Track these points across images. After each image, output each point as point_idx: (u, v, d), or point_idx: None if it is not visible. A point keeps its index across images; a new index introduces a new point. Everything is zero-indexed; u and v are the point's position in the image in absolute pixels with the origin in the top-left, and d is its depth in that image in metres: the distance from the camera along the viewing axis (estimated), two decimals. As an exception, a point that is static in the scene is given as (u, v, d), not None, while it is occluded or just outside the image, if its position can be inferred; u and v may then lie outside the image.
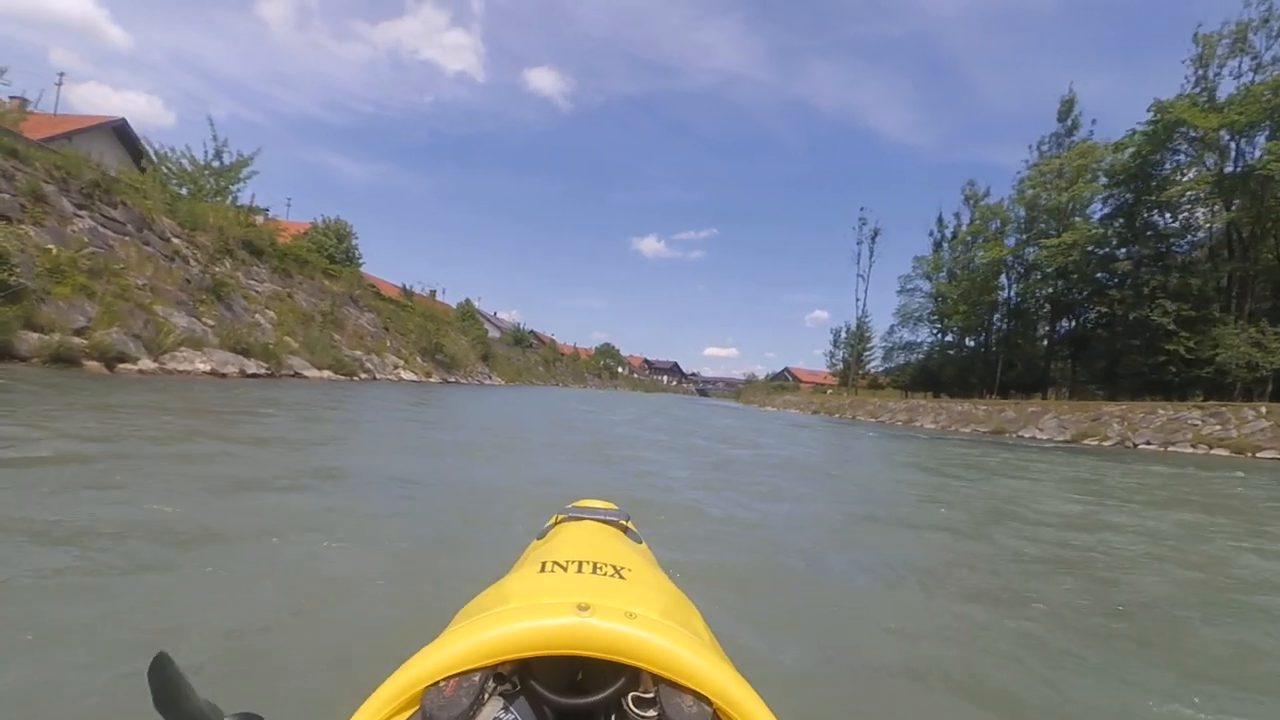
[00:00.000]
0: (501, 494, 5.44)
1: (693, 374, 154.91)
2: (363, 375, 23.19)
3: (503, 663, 0.66)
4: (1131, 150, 35.46)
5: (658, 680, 0.65)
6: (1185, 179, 33.12)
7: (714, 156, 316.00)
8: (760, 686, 0.68)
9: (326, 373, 20.35)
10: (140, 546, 2.91)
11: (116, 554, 2.78)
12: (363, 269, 39.95)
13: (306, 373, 19.08)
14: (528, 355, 70.32)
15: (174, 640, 2.02)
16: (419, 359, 31.14)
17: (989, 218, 46.47)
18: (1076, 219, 40.63)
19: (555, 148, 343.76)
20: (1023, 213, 44.64)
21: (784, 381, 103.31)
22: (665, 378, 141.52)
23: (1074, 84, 44.93)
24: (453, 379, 33.81)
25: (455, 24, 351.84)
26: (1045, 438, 29.47)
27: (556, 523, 1.33)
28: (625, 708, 0.65)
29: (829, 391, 66.32)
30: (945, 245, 56.84)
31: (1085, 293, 40.29)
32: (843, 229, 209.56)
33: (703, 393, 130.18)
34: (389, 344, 29.25)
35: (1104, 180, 38.43)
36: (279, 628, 2.28)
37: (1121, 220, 36.76)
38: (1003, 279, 47.04)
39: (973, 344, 52.16)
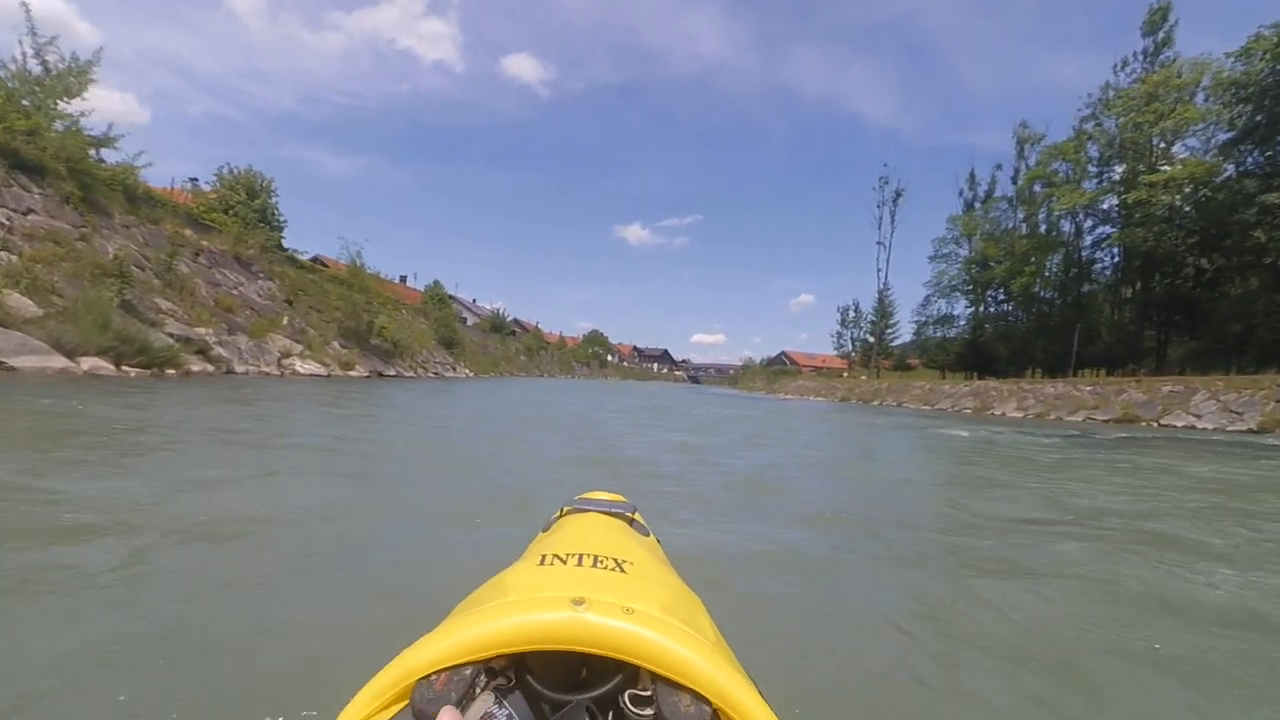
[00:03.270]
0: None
1: (683, 360, 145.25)
2: (198, 368, 13.32)
3: (497, 657, 0.62)
4: (1266, 55, 26.24)
5: (656, 678, 0.60)
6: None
7: (697, 143, 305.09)
8: (770, 688, 0.63)
9: (91, 361, 10.48)
10: None
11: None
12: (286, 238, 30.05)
13: (16, 361, 9.19)
14: (507, 343, 60.20)
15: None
16: (336, 344, 21.14)
17: (1053, 160, 37.01)
18: (1175, 151, 31.67)
19: (536, 137, 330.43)
20: (1095, 151, 35.45)
21: (782, 366, 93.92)
22: (655, 365, 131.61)
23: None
24: (392, 371, 23.85)
25: (432, 11, 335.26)
26: (1211, 426, 20.38)
27: (562, 514, 1.23)
28: (622, 705, 0.61)
29: (845, 375, 56.97)
30: (978, 205, 47.67)
31: (1188, 242, 31.04)
32: (827, 214, 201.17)
33: (695, 380, 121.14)
34: (287, 322, 19.28)
35: (1215, 100, 29.14)
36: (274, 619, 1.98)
37: (1254, 147, 27.48)
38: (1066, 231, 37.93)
39: (1015, 314, 43.10)
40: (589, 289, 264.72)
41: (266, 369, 15.86)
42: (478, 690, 0.60)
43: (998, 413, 28.38)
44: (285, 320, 19.10)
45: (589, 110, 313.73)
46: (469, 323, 60.23)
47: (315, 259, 34.00)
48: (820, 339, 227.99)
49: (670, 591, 0.74)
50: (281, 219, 30.23)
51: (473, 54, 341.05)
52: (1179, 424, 21.62)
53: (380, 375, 22.26)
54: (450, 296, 56.17)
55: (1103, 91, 36.19)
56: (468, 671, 0.59)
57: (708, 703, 0.58)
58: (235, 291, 18.22)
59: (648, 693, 0.60)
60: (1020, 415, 27.11)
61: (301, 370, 17.30)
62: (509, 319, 70.46)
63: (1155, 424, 22.35)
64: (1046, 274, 39.77)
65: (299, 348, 18.13)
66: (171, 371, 12.27)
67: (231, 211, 25.23)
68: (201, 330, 14.41)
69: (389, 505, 3.92)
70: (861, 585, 2.99)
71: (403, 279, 62.82)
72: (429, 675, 0.59)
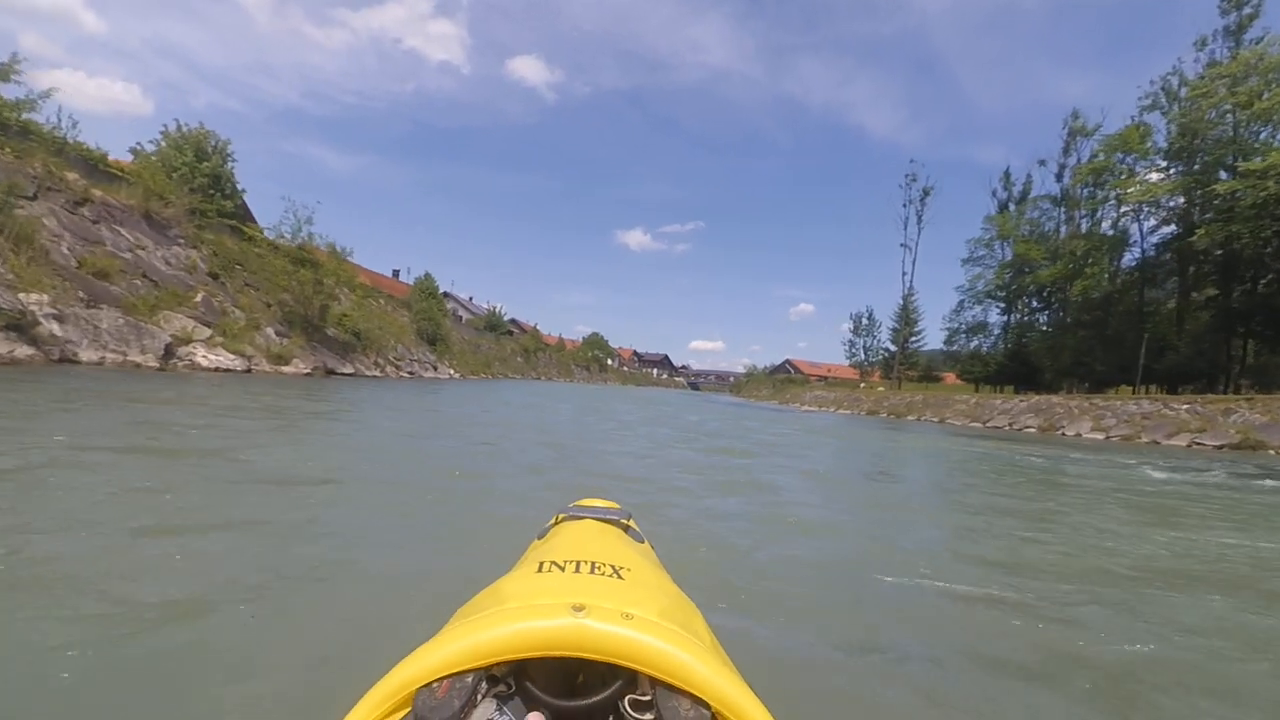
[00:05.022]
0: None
1: (683, 366, 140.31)
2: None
3: (497, 664, 0.61)
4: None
5: (655, 683, 0.60)
6: None
7: (701, 151, 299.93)
8: (765, 691, 0.62)
9: None
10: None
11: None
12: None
13: None
14: (502, 343, 55.25)
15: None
16: (271, 331, 16.24)
17: (1114, 151, 32.32)
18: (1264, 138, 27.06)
19: (540, 140, 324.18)
20: (1163, 141, 30.88)
21: (787, 374, 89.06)
22: (655, 371, 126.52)
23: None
24: (349, 368, 18.93)
25: (440, 12, 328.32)
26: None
27: (557, 522, 1.21)
28: (622, 710, 0.60)
29: (861, 385, 52.18)
30: (1013, 207, 43.06)
31: (1276, 243, 26.42)
32: (829, 224, 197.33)
33: (694, 387, 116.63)
34: (201, 299, 14.43)
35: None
36: (273, 627, 1.92)
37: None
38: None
39: (1050, 323, 38.41)
40: (589, 293, 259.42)
41: (139, 358, 11.00)
42: (479, 697, 0.58)
43: (1070, 433, 23.59)
44: (198, 297, 14.23)
45: (594, 114, 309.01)
46: (464, 320, 55.44)
47: (300, 247, 29.32)
48: (820, 348, 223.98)
49: (667, 597, 0.73)
50: (239, 187, 25.58)
51: (479, 55, 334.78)
52: (1333, 454, 16.98)
53: (331, 373, 17.39)
54: (445, 293, 51.35)
55: (1164, 80, 31.71)
56: (469, 679, 0.58)
57: (707, 706, 0.57)
58: (127, 254, 13.38)
59: (647, 697, 0.59)
60: (1100, 437, 22.35)
61: (205, 362, 12.44)
62: (506, 318, 65.55)
63: (1292, 453, 17.77)
64: (1129, 270, 35.05)
65: (206, 332, 13.23)
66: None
67: (176, 174, 20.55)
68: (28, 296, 9.57)
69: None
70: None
71: (395, 273, 58.13)
72: (431, 683, 0.58)
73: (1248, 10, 28.14)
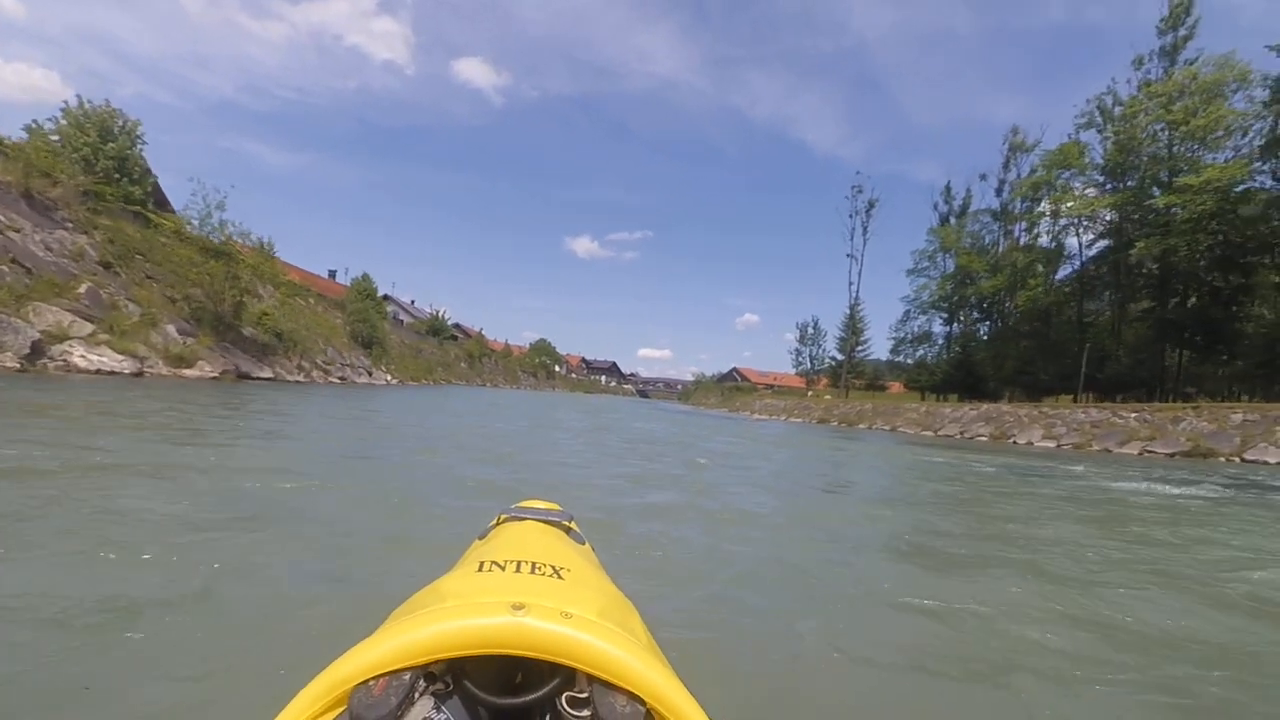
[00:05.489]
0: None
1: (631, 374, 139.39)
2: None
3: (435, 662, 0.60)
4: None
5: (593, 680, 0.61)
6: None
7: (648, 160, 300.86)
8: (698, 688, 0.63)
9: None
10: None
11: None
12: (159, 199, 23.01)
13: None
14: (446, 349, 53.00)
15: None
16: (172, 329, 14.35)
17: (1055, 166, 33.01)
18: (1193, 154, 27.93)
19: (487, 143, 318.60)
20: (1099, 157, 31.70)
21: (735, 383, 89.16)
22: (604, 378, 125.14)
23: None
24: (267, 372, 17.07)
25: (384, 10, 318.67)
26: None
27: (499, 522, 1.19)
28: (559, 707, 0.60)
29: (809, 394, 52.21)
30: (954, 220, 43.92)
31: (1210, 256, 27.33)
32: (773, 235, 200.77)
33: (643, 394, 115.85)
34: (88, 292, 12.53)
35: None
36: (202, 620, 1.83)
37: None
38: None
39: (990, 333, 39.15)
40: (536, 299, 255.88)
41: (-5, 358, 9.20)
42: (416, 695, 0.58)
43: (1021, 441, 23.60)
44: (82, 288, 12.33)
45: (542, 119, 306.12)
46: (405, 324, 53.03)
47: (224, 242, 26.87)
48: (765, 357, 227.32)
49: (606, 597, 0.74)
50: (149, 173, 23.25)
51: (424, 55, 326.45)
52: (1271, 459, 17.14)
53: (245, 377, 15.55)
54: (385, 296, 48.94)
55: (1099, 100, 32.61)
56: (406, 676, 0.58)
57: (642, 703, 0.58)
58: (7, 238, 11.42)
59: (585, 694, 0.60)
60: (1051, 445, 22.39)
61: (83, 363, 10.62)
62: (450, 322, 63.16)
63: (1237, 459, 18.01)
64: (1070, 281, 35.85)
65: (88, 328, 11.38)
66: None
67: (78, 155, 18.36)
68: None
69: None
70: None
71: (331, 274, 55.26)
72: (367, 680, 0.57)
73: (1183, 32, 29.12)
